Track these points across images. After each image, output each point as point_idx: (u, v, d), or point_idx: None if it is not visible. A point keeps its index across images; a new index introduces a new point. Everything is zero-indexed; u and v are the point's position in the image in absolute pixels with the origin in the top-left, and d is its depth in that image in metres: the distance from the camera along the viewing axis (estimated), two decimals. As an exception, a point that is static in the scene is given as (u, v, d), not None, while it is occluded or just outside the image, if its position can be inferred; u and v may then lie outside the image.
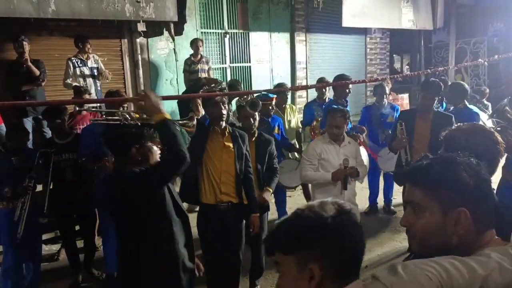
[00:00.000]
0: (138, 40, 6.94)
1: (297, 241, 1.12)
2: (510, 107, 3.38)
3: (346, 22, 8.69)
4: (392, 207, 6.04)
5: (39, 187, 4.17)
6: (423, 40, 12.32)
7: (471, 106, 5.12)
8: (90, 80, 6.03)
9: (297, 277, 1.12)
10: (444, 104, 5.91)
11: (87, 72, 6.02)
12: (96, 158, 4.07)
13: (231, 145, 3.37)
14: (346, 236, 1.11)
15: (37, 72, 5.46)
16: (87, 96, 5.41)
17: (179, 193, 2.97)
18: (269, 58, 8.89)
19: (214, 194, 3.34)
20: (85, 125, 4.82)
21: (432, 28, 11.29)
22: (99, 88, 6.15)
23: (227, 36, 8.18)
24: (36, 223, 3.91)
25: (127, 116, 2.58)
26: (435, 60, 12.63)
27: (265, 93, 5.04)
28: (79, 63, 5.97)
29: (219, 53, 8.21)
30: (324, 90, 5.97)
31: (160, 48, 7.30)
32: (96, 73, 6.09)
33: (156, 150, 2.35)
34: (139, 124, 2.50)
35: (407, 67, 13.55)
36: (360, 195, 4.50)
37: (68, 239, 4.47)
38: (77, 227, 4.62)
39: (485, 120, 4.54)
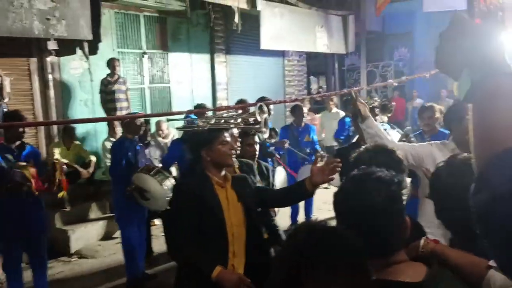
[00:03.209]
0: (48, 59, 6.56)
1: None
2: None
3: (264, 44, 8.92)
4: (312, 224, 6.19)
5: None
6: (337, 63, 13.00)
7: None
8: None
9: None
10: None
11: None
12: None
13: None
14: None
15: None
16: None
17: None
18: (190, 79, 8.84)
19: None
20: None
21: (345, 52, 11.95)
22: (4, 109, 5.71)
23: (145, 56, 8.02)
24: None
25: (201, 123, 2.74)
26: (348, 82, 13.36)
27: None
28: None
29: (137, 74, 8.01)
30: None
31: (74, 68, 6.96)
32: None
33: (225, 152, 2.51)
34: (208, 129, 2.66)
35: (321, 89, 14.18)
36: (281, 213, 4.55)
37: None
38: None
39: (395, 137, 4.84)
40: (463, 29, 0.90)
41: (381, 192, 1.28)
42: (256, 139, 3.52)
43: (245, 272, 2.47)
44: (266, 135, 2.97)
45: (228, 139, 2.56)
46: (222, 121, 2.73)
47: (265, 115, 2.90)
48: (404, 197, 1.36)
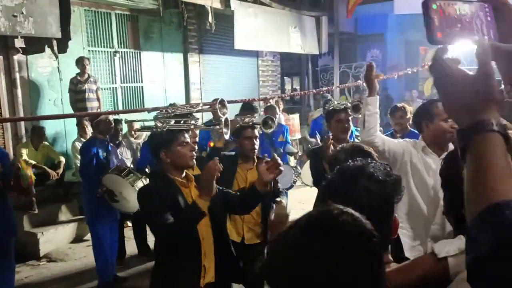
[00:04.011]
0: (15, 57, 6.36)
1: None
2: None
3: (238, 44, 8.91)
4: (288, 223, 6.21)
5: None
6: (310, 63, 13.09)
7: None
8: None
9: None
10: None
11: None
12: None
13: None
14: None
15: None
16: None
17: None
18: (163, 78, 8.75)
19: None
20: None
21: (318, 53, 12.05)
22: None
23: (117, 55, 7.88)
24: None
25: (159, 123, 2.64)
26: (322, 82, 13.48)
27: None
28: None
29: (109, 73, 7.87)
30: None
31: (42, 66, 6.78)
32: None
33: (184, 153, 2.47)
34: (167, 130, 2.60)
35: (293, 90, 14.27)
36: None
37: None
38: None
39: None
40: (442, 75, 0.84)
41: (372, 192, 1.20)
42: (256, 132, 3.41)
43: (216, 272, 2.46)
44: (226, 136, 2.92)
45: (188, 140, 2.52)
46: (182, 121, 2.69)
47: (226, 112, 2.85)
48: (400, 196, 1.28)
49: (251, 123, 3.42)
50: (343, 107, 3.66)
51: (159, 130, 2.61)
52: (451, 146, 2.70)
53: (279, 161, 2.43)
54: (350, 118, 3.64)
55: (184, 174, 2.53)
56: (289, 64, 13.26)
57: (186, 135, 2.52)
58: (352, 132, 4.24)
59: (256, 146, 3.42)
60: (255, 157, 3.42)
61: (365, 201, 1.18)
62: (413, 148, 2.89)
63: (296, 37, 10.80)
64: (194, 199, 2.42)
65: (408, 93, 13.06)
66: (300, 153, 6.98)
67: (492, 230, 0.68)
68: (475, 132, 0.78)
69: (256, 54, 10.96)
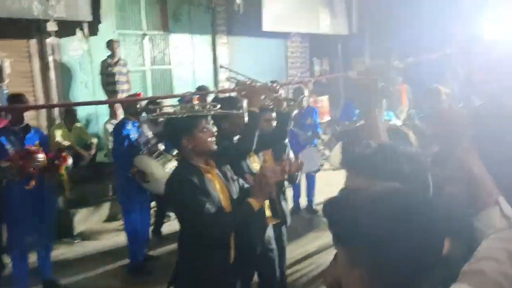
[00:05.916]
0: (48, 40, 6.50)
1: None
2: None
3: (266, 26, 8.81)
4: (314, 207, 6.20)
5: None
6: (341, 44, 12.83)
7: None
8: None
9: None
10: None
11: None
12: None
13: None
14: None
15: None
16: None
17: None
18: (191, 61, 8.76)
19: None
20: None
21: (348, 33, 11.80)
22: (5, 91, 5.68)
23: (146, 37, 7.94)
24: None
25: (178, 110, 2.62)
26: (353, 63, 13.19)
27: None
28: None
29: (138, 55, 7.94)
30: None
31: (73, 49, 6.90)
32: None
33: (206, 139, 2.46)
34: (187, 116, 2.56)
35: (323, 70, 14.01)
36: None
37: None
38: None
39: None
40: None
41: (412, 160, 1.27)
42: (274, 115, 3.40)
43: (236, 260, 2.50)
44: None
45: (208, 125, 2.53)
46: (201, 107, 2.67)
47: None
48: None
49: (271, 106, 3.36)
50: None
51: (177, 115, 2.57)
52: None
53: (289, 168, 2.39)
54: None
55: (205, 159, 2.53)
56: (319, 44, 13.02)
57: (206, 121, 2.53)
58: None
59: None
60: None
61: (403, 169, 1.23)
62: None
63: (326, 17, 10.60)
64: (219, 188, 2.45)
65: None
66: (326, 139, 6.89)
67: None
68: None
69: (284, 35, 10.82)
